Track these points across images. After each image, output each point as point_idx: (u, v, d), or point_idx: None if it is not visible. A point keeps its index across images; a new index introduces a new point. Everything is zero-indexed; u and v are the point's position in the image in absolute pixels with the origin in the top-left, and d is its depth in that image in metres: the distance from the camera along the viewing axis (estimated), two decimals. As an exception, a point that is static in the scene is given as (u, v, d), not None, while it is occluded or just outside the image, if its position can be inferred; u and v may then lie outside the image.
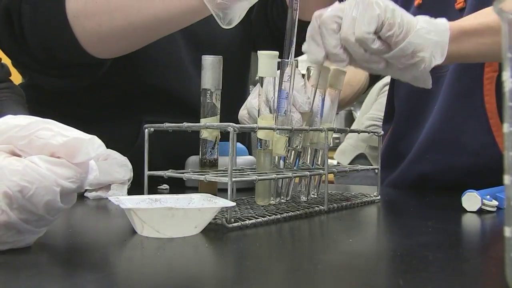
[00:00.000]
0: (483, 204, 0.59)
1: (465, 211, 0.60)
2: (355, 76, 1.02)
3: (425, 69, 0.61)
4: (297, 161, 0.65)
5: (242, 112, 0.69)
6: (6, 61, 0.92)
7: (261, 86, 0.59)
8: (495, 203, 0.59)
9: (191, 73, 0.93)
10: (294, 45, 0.62)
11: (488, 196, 0.60)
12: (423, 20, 0.60)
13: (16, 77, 0.93)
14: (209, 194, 0.52)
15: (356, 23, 0.58)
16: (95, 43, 0.71)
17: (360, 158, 2.47)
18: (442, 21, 0.62)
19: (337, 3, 0.61)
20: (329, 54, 0.60)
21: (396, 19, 0.58)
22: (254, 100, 0.67)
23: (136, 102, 0.90)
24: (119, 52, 0.75)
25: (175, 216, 0.43)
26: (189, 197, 0.51)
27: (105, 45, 0.72)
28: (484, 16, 0.65)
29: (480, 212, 0.59)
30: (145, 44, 0.75)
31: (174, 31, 0.73)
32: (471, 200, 0.60)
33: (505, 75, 0.28)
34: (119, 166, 0.71)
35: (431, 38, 0.59)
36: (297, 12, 0.61)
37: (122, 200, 0.47)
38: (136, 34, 0.71)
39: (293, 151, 0.64)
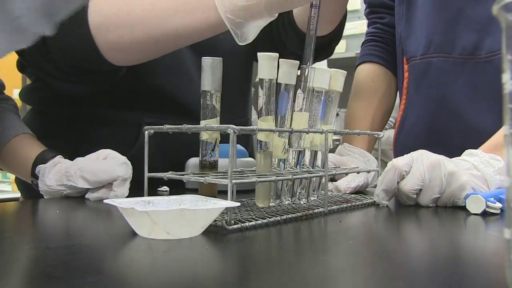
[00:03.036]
0: (487, 206, 0.59)
1: (469, 213, 0.60)
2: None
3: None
4: (299, 160, 0.65)
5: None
6: (6, 66, 0.93)
7: (261, 88, 0.59)
8: (499, 205, 0.59)
9: (193, 76, 0.93)
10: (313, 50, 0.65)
11: (492, 199, 0.59)
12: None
13: (16, 81, 0.93)
14: (199, 195, 0.52)
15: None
16: (116, 53, 0.73)
17: None
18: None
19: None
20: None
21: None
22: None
23: (137, 104, 0.90)
24: (138, 61, 0.78)
25: (186, 217, 0.44)
26: (180, 198, 0.52)
27: (125, 55, 0.74)
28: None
29: (484, 214, 0.59)
30: (164, 54, 0.77)
31: (192, 43, 0.75)
32: (475, 202, 0.60)
33: (505, 77, 0.28)
34: (118, 164, 0.72)
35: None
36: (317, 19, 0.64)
37: (120, 202, 0.47)
38: (155, 46, 0.73)
39: (293, 152, 0.64)
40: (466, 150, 0.70)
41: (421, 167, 0.64)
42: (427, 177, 0.63)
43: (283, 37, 0.98)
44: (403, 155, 0.76)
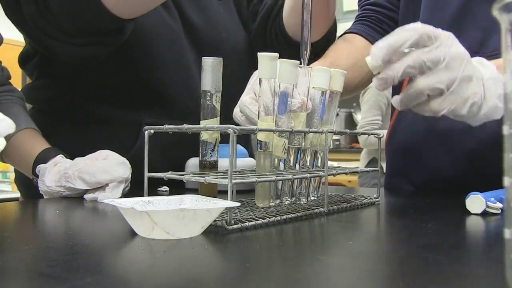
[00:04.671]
0: (487, 206, 0.59)
1: (469, 213, 0.60)
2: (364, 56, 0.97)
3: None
4: (298, 157, 0.64)
5: (236, 110, 0.69)
6: (6, 64, 0.93)
7: (261, 87, 0.59)
8: (499, 205, 0.58)
9: (195, 76, 0.93)
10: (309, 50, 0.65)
11: (493, 199, 0.59)
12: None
13: (16, 81, 0.93)
14: (199, 195, 0.52)
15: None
16: (120, 4, 0.73)
17: (374, 161, 2.58)
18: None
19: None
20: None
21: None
22: (245, 98, 0.67)
23: (137, 103, 0.90)
24: (141, 9, 0.77)
25: (186, 217, 0.44)
26: (180, 198, 0.52)
27: (130, 5, 0.74)
28: None
29: (484, 214, 0.59)
30: (163, 1, 0.76)
31: None
32: (475, 202, 0.59)
33: (505, 77, 0.28)
34: (117, 164, 0.71)
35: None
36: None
37: (120, 202, 0.47)
38: None
39: (293, 150, 0.64)
40: (477, 58, 0.63)
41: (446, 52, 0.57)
42: (446, 61, 0.57)
43: (276, 48, 0.99)
44: (397, 152, 0.75)
